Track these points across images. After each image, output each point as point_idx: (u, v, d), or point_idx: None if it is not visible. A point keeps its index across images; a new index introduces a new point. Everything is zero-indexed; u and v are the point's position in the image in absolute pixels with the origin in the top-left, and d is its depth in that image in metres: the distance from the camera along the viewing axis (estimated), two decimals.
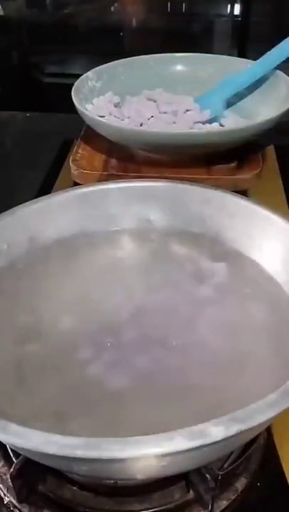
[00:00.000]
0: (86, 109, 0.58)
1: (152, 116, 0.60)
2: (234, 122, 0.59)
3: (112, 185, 0.43)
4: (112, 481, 0.31)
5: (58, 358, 0.33)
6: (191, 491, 0.32)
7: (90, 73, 0.64)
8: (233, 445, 0.30)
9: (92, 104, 0.62)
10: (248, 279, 0.38)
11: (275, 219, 0.38)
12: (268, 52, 0.60)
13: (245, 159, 0.56)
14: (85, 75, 0.63)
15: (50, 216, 0.41)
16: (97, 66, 0.65)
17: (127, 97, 0.64)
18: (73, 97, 0.58)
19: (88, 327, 0.35)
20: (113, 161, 0.58)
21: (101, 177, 0.55)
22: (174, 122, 0.59)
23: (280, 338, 0.33)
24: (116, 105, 0.62)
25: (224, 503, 0.32)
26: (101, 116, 0.58)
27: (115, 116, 0.60)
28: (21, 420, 0.24)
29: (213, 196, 0.41)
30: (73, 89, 0.59)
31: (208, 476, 0.30)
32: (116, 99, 0.62)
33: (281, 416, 0.24)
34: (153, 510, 0.31)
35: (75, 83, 0.61)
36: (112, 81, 0.65)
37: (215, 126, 0.59)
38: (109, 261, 0.41)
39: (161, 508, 0.31)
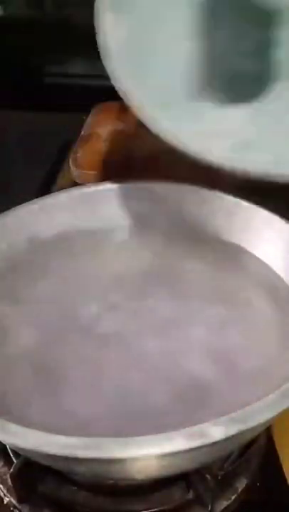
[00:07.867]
0: None
1: None
2: None
3: (112, 185, 0.43)
4: (112, 481, 0.31)
5: (57, 359, 0.33)
6: (191, 491, 0.32)
7: None
8: (233, 445, 0.30)
9: None
10: (249, 279, 0.38)
11: (275, 219, 0.38)
12: None
13: None
14: None
15: (50, 216, 0.41)
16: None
17: None
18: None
19: (87, 328, 0.35)
20: (113, 161, 0.58)
21: (101, 177, 0.55)
22: None
23: (283, 337, 0.33)
24: None
25: (224, 503, 0.32)
26: None
27: None
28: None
29: (212, 196, 0.41)
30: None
31: (208, 476, 0.30)
32: None
33: (281, 416, 0.24)
34: (153, 510, 0.31)
35: None
36: None
37: None
38: (109, 261, 0.41)
39: (161, 508, 0.31)
